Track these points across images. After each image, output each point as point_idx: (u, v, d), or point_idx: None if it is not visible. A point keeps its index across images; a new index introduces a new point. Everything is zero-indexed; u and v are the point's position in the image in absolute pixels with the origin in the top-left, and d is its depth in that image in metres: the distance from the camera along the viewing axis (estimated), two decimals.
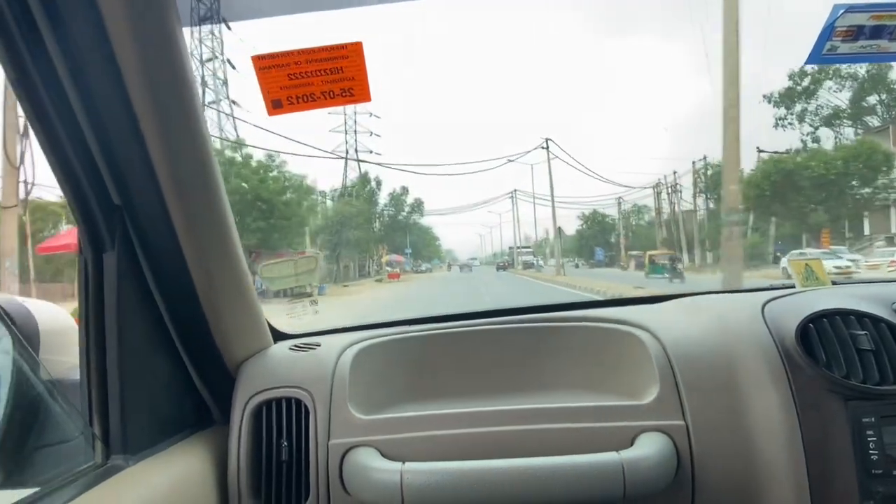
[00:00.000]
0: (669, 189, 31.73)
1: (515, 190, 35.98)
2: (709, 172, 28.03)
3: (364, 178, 34.19)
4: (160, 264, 0.91)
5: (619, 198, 36.92)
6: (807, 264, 1.29)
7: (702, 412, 0.98)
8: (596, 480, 0.91)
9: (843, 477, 0.90)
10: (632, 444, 0.96)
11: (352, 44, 0.89)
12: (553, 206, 25.09)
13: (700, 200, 29.69)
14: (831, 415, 0.92)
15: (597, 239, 38.96)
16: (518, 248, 39.11)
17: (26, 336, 0.87)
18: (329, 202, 31.19)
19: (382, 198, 34.47)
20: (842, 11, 1.01)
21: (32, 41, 0.69)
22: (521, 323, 1.22)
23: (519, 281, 23.22)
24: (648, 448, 0.94)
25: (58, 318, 0.95)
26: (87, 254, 0.85)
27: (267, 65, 0.89)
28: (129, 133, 0.79)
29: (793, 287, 1.24)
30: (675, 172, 30.93)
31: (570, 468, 0.92)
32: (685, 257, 27.84)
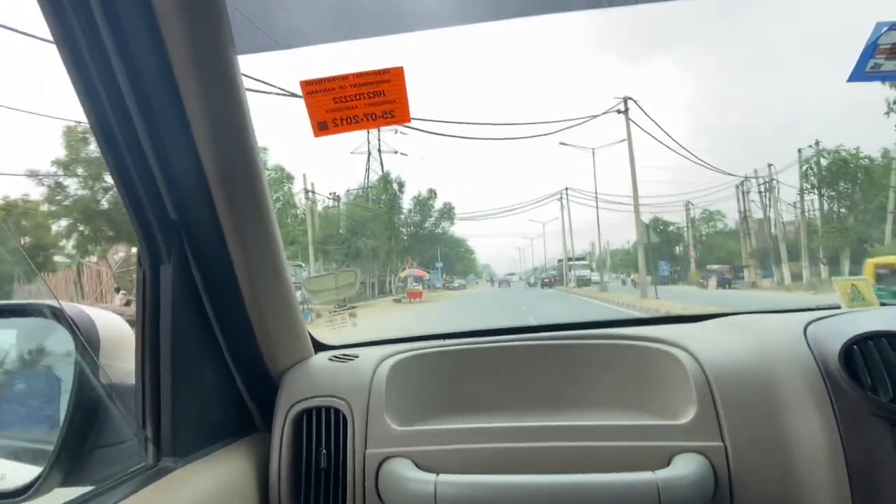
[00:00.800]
0: (763, 187, 24.06)
1: (567, 188, 28.57)
2: (822, 162, 21.25)
3: (385, 180, 28.30)
4: (212, 277, 0.97)
5: (688, 202, 29.64)
6: (853, 284, 1.25)
7: (741, 434, 0.96)
8: (630, 500, 0.90)
9: None
10: (668, 465, 0.95)
11: (394, 68, 0.94)
12: (635, 193, 17.27)
13: (802, 199, 22.34)
14: (877, 440, 0.89)
15: (660, 251, 30.40)
16: (571, 259, 31.51)
17: (88, 342, 0.93)
18: (342, 207, 26.83)
19: (406, 202, 29.18)
20: (885, 29, 1.00)
21: (104, 71, 0.76)
22: (558, 339, 1.22)
23: (581, 305, 16.83)
24: (685, 469, 0.93)
25: (117, 325, 1.02)
26: (146, 266, 0.91)
27: (314, 89, 0.94)
28: (187, 153, 0.85)
29: (838, 308, 1.20)
30: (770, 165, 23.09)
31: (604, 487, 0.91)
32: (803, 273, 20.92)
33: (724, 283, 22.95)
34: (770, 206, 24.23)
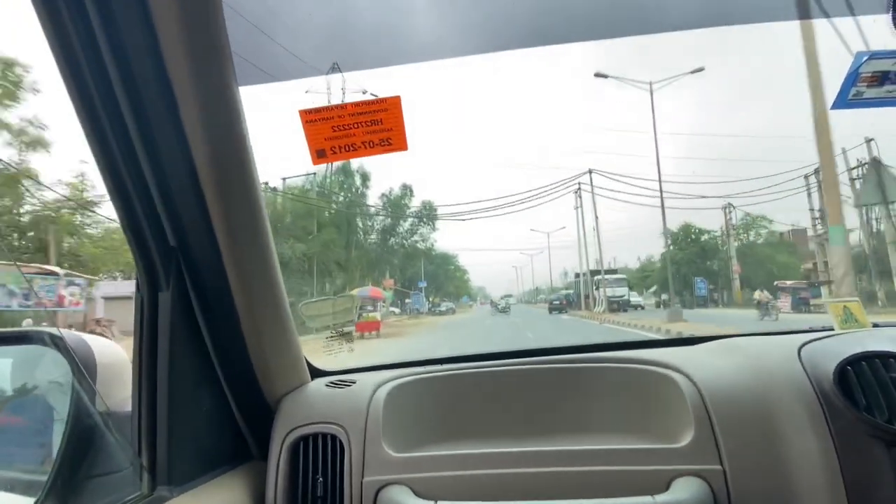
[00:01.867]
0: (858, 171, 15.38)
1: (591, 170, 19.02)
2: None
3: (344, 171, 20.32)
4: (210, 304, 0.97)
5: (728, 204, 21.47)
6: (845, 306, 1.27)
7: (739, 456, 0.96)
8: None
9: None
10: (667, 489, 0.94)
11: (391, 98, 0.96)
12: (822, 124, 8.87)
13: None
14: (875, 461, 0.89)
15: (694, 266, 23.94)
16: (598, 273, 21.60)
17: (86, 368, 0.93)
18: (278, 199, 18.65)
19: (373, 201, 21.77)
20: (865, 58, 1.04)
21: (107, 101, 0.78)
22: (555, 363, 1.22)
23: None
24: (684, 493, 0.92)
25: (114, 352, 1.02)
26: (144, 292, 0.92)
27: (312, 118, 0.97)
28: (187, 181, 0.87)
29: (831, 329, 1.22)
30: (869, 141, 14.32)
31: None
32: None
33: (800, 305, 17.13)
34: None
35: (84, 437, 0.90)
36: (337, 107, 0.97)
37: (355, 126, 0.98)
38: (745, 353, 1.16)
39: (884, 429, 0.89)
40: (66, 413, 0.91)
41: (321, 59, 0.99)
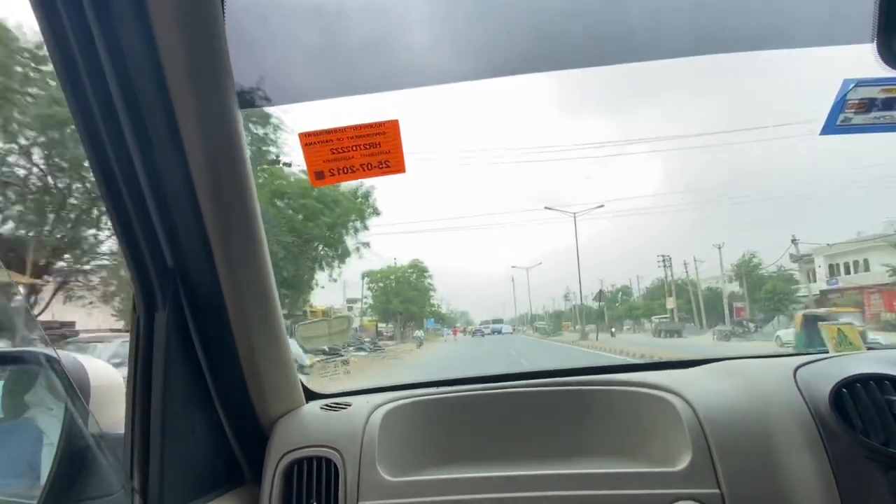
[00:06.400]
0: None
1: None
2: None
3: None
4: (206, 325, 0.97)
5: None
6: (839, 329, 1.28)
7: (736, 479, 0.95)
8: None
9: None
10: None
11: (389, 121, 0.98)
12: None
13: None
14: (871, 484, 0.89)
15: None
16: None
17: (79, 389, 0.92)
18: None
19: None
20: (852, 85, 1.06)
21: (110, 123, 0.79)
22: (552, 386, 1.22)
23: None
24: None
25: (108, 374, 1.01)
26: (141, 313, 0.92)
27: (312, 141, 0.98)
28: (187, 203, 0.87)
29: (826, 352, 1.22)
30: None
31: None
32: None
33: None
34: None
35: (76, 460, 0.89)
36: (336, 130, 0.99)
37: (353, 149, 0.99)
38: (740, 375, 1.16)
39: (880, 451, 0.89)
40: (59, 435, 0.90)
41: (321, 83, 1.01)
